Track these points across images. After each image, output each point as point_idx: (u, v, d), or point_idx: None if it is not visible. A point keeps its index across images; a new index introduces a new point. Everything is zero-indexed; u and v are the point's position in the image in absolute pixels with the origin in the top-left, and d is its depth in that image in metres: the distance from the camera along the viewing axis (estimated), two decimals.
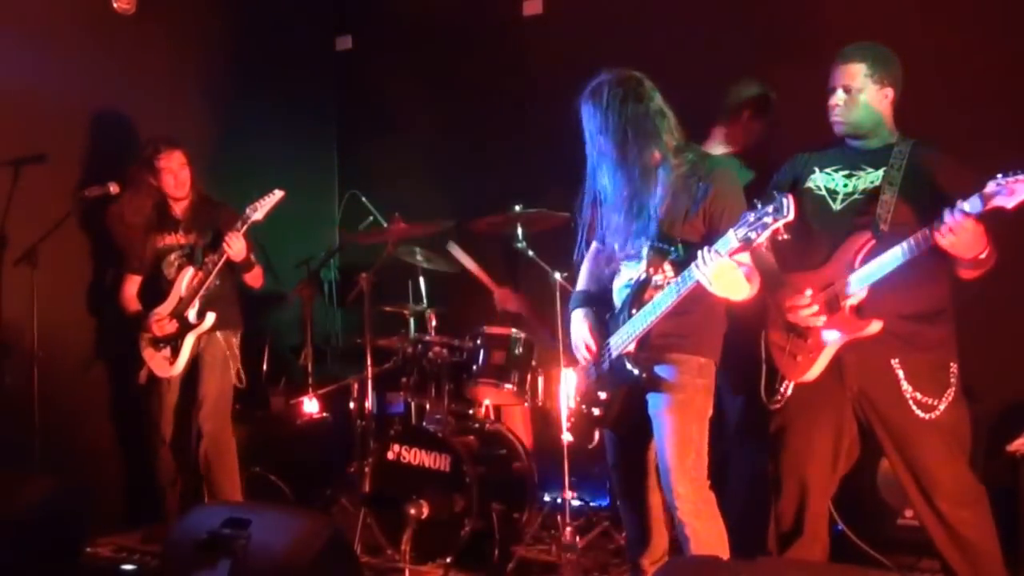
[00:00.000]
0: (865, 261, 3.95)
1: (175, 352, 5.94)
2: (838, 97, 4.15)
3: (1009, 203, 3.51)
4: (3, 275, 5.85)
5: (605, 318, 4.36)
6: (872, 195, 4.07)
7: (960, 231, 3.66)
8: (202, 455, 5.93)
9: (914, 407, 4.01)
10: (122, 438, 6.55)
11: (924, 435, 4.03)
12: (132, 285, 6.19)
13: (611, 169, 4.21)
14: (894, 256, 3.83)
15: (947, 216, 3.67)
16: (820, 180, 4.23)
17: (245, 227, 5.76)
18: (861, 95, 4.13)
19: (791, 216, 3.60)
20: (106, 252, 6.53)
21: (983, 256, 3.82)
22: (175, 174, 6.02)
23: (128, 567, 5.45)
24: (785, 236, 3.79)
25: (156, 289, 6.08)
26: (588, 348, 4.38)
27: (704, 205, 4.11)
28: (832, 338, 4.04)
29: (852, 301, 3.98)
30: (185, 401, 6.04)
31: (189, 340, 5.93)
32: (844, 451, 4.22)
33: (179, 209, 6.12)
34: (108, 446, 6.55)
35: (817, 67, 4.31)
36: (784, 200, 3.59)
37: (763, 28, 6.11)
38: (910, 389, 4.02)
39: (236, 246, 5.78)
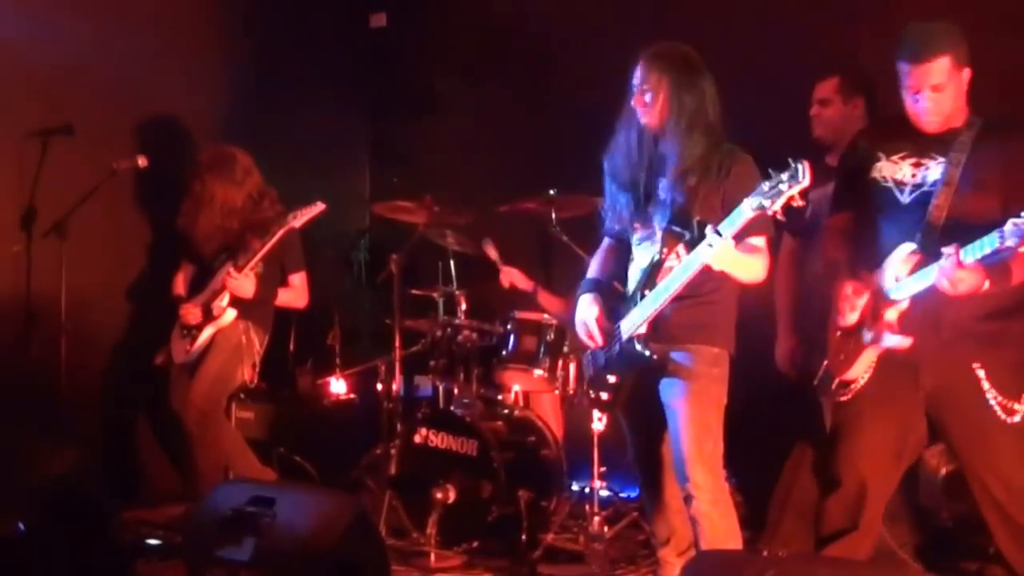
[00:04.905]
0: (915, 270, 3.78)
1: (193, 341, 5.93)
2: (928, 99, 3.85)
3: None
4: (32, 247, 5.78)
5: (615, 305, 4.31)
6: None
7: (956, 281, 3.54)
8: (188, 432, 5.86)
9: (998, 410, 3.84)
10: (149, 413, 6.50)
11: (1004, 438, 3.87)
12: (184, 271, 6.23)
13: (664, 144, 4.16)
14: (929, 276, 3.68)
15: (943, 261, 3.53)
16: (886, 170, 4.01)
17: (251, 263, 5.74)
18: (950, 88, 3.85)
19: (807, 182, 3.55)
20: (135, 225, 6.57)
21: (984, 287, 3.62)
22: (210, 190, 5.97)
23: (152, 542, 5.43)
24: (800, 203, 3.66)
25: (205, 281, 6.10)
26: (596, 332, 4.31)
27: (724, 188, 4.07)
28: (868, 342, 3.93)
29: (892, 312, 3.83)
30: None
31: (208, 331, 5.91)
32: (909, 450, 4.10)
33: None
34: (135, 420, 6.51)
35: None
36: (799, 166, 3.55)
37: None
38: (993, 392, 3.85)
39: (232, 284, 5.78)
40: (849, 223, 4.16)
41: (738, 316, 4.27)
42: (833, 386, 4.06)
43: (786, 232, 5.04)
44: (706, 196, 4.08)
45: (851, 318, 3.93)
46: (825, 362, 4.11)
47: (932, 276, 3.64)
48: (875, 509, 4.11)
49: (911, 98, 3.89)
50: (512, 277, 6.27)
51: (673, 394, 4.14)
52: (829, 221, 4.29)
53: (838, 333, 4.03)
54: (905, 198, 3.94)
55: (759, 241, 4.05)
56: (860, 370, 3.96)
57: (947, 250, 3.53)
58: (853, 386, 4.00)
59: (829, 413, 4.37)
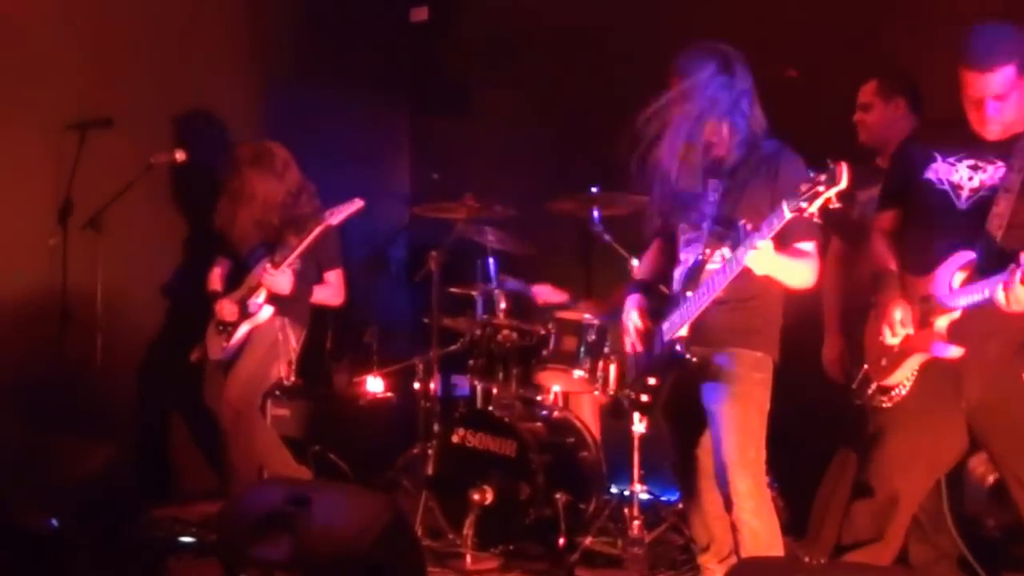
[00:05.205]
0: (969, 281, 3.66)
1: (229, 337, 5.90)
2: (990, 107, 3.71)
3: None
4: (68, 240, 5.82)
5: (661, 306, 4.28)
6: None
7: (1015, 300, 3.43)
8: (223, 429, 5.84)
9: None
10: (184, 409, 6.52)
11: None
12: (220, 267, 6.20)
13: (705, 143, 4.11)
14: (984, 292, 3.56)
15: (1005, 277, 3.43)
16: (942, 171, 3.86)
17: (288, 260, 5.68)
18: (1013, 96, 3.70)
19: (844, 184, 3.52)
20: (172, 220, 6.59)
21: None
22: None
23: (185, 539, 5.43)
24: (837, 205, 3.62)
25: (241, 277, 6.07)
26: (638, 332, 4.29)
27: (773, 189, 4.00)
28: (914, 351, 3.83)
29: (943, 320, 3.71)
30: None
31: (244, 328, 5.88)
32: (945, 463, 4.02)
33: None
34: (169, 416, 6.54)
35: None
36: (836, 168, 3.51)
37: None
38: None
39: (269, 280, 5.73)
40: (896, 223, 4.05)
41: (783, 318, 4.22)
42: (870, 391, 3.96)
43: (834, 234, 4.97)
44: (752, 197, 4.04)
45: (891, 341, 3.84)
46: (865, 366, 4.01)
47: (989, 289, 3.53)
48: (903, 520, 4.02)
49: (972, 105, 3.77)
50: (544, 295, 6.26)
51: (715, 398, 4.09)
52: (877, 222, 4.18)
53: (880, 337, 3.92)
54: (962, 203, 3.80)
55: (807, 246, 4.01)
56: (902, 376, 3.86)
57: (1013, 266, 3.42)
58: (894, 392, 3.89)
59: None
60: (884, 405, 3.92)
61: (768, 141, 4.15)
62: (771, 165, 4.06)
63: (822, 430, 5.06)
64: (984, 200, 3.73)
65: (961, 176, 3.81)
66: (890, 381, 3.88)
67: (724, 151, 4.13)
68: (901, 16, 5.72)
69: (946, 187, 3.83)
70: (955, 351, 3.69)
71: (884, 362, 3.90)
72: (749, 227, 3.79)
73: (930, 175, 3.88)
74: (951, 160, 3.85)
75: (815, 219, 3.68)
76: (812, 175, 3.60)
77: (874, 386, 3.94)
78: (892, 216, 4.07)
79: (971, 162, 3.81)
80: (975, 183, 3.78)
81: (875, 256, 4.06)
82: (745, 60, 4.13)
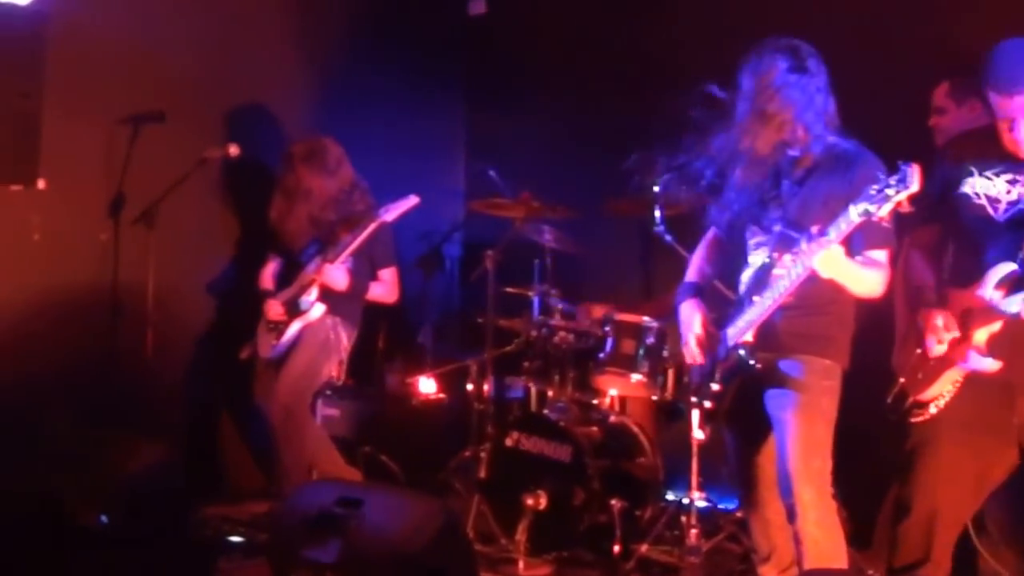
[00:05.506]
0: (1011, 292, 3.57)
1: (280, 335, 5.86)
2: (1022, 129, 3.63)
3: None
4: (120, 235, 5.83)
5: (721, 307, 4.21)
6: None
7: None
8: (273, 428, 5.78)
9: None
10: (234, 407, 6.49)
11: None
12: (271, 264, 6.19)
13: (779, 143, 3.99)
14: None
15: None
16: (979, 185, 3.78)
17: (340, 257, 5.65)
18: None
19: (915, 187, 3.40)
20: (224, 216, 6.57)
21: None
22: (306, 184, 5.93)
23: (235, 539, 5.42)
24: (909, 209, 3.52)
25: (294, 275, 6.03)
26: (700, 341, 4.20)
27: (848, 195, 3.79)
28: (952, 364, 3.73)
29: (982, 333, 3.62)
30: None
31: (295, 326, 5.84)
32: (993, 480, 3.88)
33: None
34: (219, 414, 6.52)
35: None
36: (907, 170, 3.39)
37: None
38: None
39: (326, 274, 5.69)
40: (934, 238, 3.98)
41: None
42: (906, 405, 3.86)
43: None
44: (826, 200, 3.90)
45: (938, 350, 3.74)
46: (901, 379, 3.91)
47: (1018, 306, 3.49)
48: (948, 538, 3.91)
49: (1004, 126, 3.67)
50: (591, 312, 6.19)
51: (780, 406, 3.99)
52: (914, 237, 4.08)
53: (918, 350, 3.83)
54: (1000, 216, 3.72)
55: (880, 255, 3.89)
56: (939, 390, 3.77)
57: None
58: (933, 404, 3.80)
59: None
60: (920, 420, 3.84)
61: (845, 142, 4.02)
62: (847, 167, 3.93)
63: (889, 440, 4.94)
64: (1022, 214, 3.67)
65: (999, 190, 3.74)
66: (927, 395, 3.80)
67: (798, 152, 4.00)
68: (980, 14, 5.58)
69: (983, 201, 3.76)
70: (991, 364, 3.62)
71: (920, 375, 3.82)
72: (816, 230, 3.70)
73: (967, 189, 3.81)
74: (988, 174, 3.77)
75: (885, 224, 3.60)
76: (882, 177, 3.49)
77: (910, 400, 3.85)
78: (930, 231, 4.00)
79: (1009, 176, 3.74)
80: (1013, 196, 3.71)
81: (914, 271, 3.99)
82: (818, 55, 4.01)
